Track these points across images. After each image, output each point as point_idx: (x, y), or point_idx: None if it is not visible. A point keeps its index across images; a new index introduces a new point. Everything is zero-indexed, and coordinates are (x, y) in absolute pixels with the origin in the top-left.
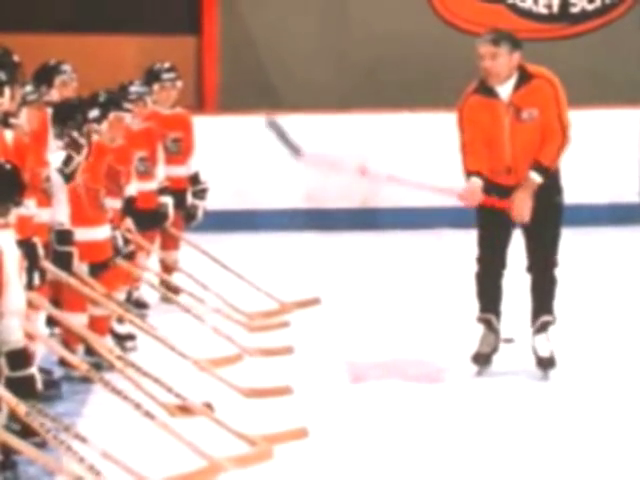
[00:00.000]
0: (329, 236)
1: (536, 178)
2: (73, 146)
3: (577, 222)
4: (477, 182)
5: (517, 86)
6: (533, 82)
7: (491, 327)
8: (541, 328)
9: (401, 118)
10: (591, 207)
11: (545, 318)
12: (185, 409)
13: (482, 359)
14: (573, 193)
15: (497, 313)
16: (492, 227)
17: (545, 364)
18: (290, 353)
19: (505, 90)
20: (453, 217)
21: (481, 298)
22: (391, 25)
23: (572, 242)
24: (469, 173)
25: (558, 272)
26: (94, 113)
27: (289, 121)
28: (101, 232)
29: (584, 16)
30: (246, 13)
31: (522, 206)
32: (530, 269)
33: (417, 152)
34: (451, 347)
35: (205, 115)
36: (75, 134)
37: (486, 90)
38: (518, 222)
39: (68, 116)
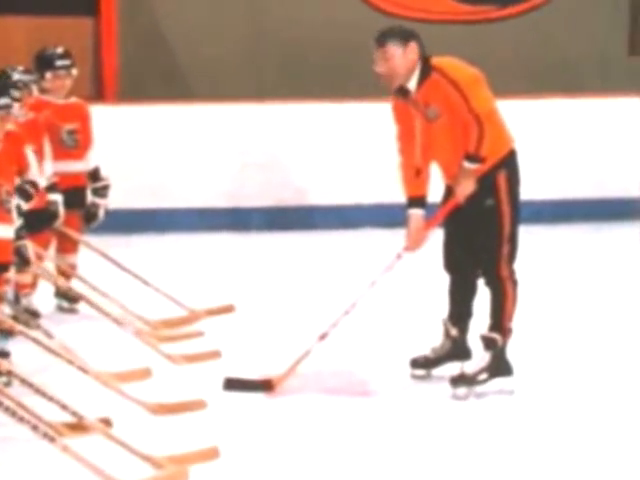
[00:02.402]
0: (244, 237)
1: (467, 164)
2: None
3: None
4: (418, 217)
5: (420, 82)
6: (432, 76)
7: (447, 334)
8: (483, 343)
9: (323, 108)
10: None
11: (486, 334)
12: (79, 428)
13: (416, 363)
14: None
15: (456, 321)
16: (450, 232)
17: (457, 380)
18: (217, 357)
19: (412, 87)
20: (377, 216)
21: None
22: (311, 7)
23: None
24: (409, 200)
25: (514, 285)
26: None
27: (200, 112)
28: None
29: None
30: None
31: (463, 189)
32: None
33: (340, 144)
34: (376, 357)
35: (104, 105)
36: None
37: (400, 91)
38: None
39: None
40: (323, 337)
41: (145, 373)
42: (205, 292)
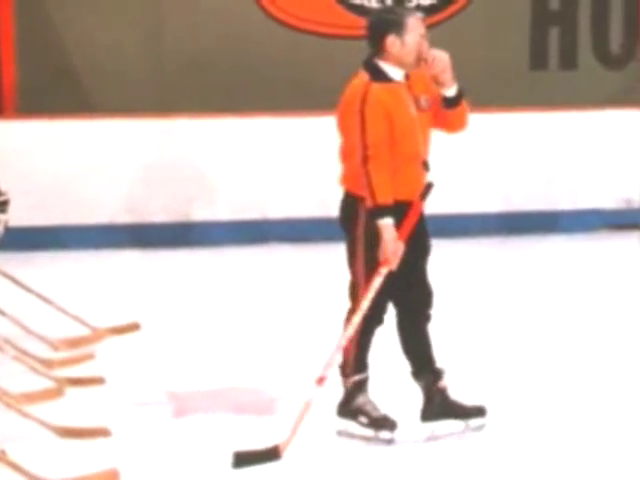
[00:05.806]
0: (149, 253)
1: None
2: None
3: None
4: (392, 227)
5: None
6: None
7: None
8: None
9: (227, 123)
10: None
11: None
12: None
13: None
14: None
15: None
16: (407, 262)
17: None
18: (101, 384)
19: (397, 76)
20: (285, 230)
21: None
22: (213, 20)
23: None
24: (383, 208)
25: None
26: None
27: (104, 126)
28: None
29: (420, 12)
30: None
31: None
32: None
33: (245, 160)
34: (287, 374)
35: (2, 119)
36: None
37: (384, 77)
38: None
39: None
40: None
41: (56, 392)
42: (109, 310)
